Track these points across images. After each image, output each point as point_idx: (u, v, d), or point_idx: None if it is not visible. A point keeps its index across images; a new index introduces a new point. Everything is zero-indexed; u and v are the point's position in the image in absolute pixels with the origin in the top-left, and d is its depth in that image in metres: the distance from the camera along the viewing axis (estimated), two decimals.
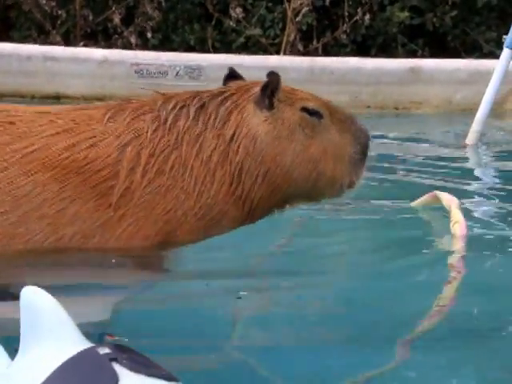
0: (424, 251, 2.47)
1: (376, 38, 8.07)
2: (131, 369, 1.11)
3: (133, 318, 1.97)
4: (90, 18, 8.11)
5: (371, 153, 2.58)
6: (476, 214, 2.95)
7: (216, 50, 7.76)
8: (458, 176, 3.77)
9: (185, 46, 7.99)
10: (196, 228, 2.32)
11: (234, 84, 2.48)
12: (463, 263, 2.36)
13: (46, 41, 7.85)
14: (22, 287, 1.22)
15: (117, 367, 1.11)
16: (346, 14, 7.97)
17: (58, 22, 8.06)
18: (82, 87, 6.18)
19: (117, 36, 8.14)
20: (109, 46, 7.68)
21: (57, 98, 5.96)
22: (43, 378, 1.11)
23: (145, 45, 8.00)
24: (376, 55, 7.76)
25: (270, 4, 8.12)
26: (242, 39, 8.02)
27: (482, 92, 4.87)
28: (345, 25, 7.98)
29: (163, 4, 8.12)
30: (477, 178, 3.90)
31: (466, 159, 4.51)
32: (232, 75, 2.56)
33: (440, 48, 7.99)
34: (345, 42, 8.05)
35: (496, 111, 5.13)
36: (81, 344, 1.17)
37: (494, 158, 4.61)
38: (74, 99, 5.96)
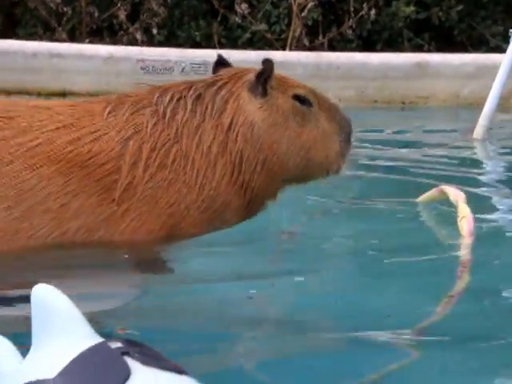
0: (431, 247, 2.47)
1: (382, 32, 8.04)
2: (143, 362, 1.12)
3: (142, 313, 1.97)
4: (96, 14, 8.10)
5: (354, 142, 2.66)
6: (483, 209, 2.94)
7: (222, 46, 7.74)
8: (465, 170, 3.76)
9: (190, 42, 7.97)
10: (200, 221, 2.34)
11: (225, 72, 2.50)
12: (471, 258, 2.35)
13: (52, 38, 7.85)
14: (29, 283, 1.22)
15: (129, 361, 1.11)
16: (352, 9, 7.94)
17: (64, 18, 8.05)
18: (88, 84, 6.17)
19: (122, 32, 8.14)
20: (114, 43, 7.68)
21: (63, 95, 5.96)
22: (56, 372, 1.11)
23: (150, 41, 7.99)
24: (382, 50, 7.74)
25: None
26: (247, 35, 8.00)
27: (489, 86, 4.85)
28: (350, 20, 7.96)
29: (169, 0, 8.11)
30: (484, 173, 3.90)
31: (473, 154, 4.49)
32: (220, 62, 2.58)
33: (446, 42, 7.96)
34: (351, 37, 8.02)
35: (503, 105, 5.11)
36: (92, 339, 1.18)
37: (501, 152, 4.59)
38: (80, 96, 5.95)
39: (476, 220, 2.51)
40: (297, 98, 2.48)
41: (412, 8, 7.88)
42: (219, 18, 8.14)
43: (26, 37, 7.79)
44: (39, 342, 1.19)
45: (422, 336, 1.80)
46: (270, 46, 7.79)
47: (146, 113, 2.32)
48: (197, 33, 8.06)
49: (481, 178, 3.68)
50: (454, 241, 2.47)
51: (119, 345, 1.15)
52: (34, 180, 2.15)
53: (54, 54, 6.41)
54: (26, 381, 1.12)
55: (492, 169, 4.08)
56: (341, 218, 2.78)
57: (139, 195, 2.24)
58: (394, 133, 5.20)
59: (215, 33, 8.00)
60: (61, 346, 1.16)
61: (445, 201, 2.74)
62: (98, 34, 8.17)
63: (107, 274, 2.21)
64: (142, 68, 6.30)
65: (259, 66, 2.44)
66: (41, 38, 7.70)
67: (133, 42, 7.88)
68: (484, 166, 4.14)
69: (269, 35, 7.99)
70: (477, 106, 5.22)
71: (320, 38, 8.00)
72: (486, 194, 3.28)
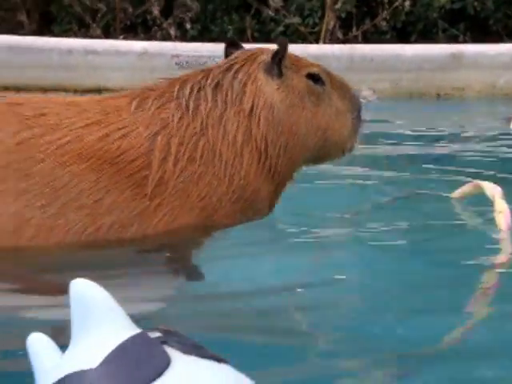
0: (467, 243, 2.44)
1: (416, 23, 7.97)
2: (182, 351, 1.13)
3: (177, 314, 1.97)
4: (130, 10, 8.15)
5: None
6: None
7: (255, 40, 7.74)
8: (501, 163, 3.71)
9: (224, 36, 7.99)
10: (232, 212, 2.35)
11: (239, 54, 2.50)
12: (508, 254, 2.33)
13: (87, 34, 7.92)
14: (66, 279, 1.24)
15: (168, 350, 1.13)
16: (386, 0, 7.89)
17: (98, 15, 8.12)
18: (122, 80, 6.20)
19: (156, 28, 8.18)
20: (148, 38, 7.72)
21: (98, 92, 6.01)
22: (98, 362, 1.13)
23: (184, 36, 8.02)
24: (416, 41, 7.68)
25: None
26: (280, 28, 7.99)
27: None
28: (384, 11, 7.90)
29: None
30: None
31: (510, 145, 4.43)
32: (231, 44, 2.59)
33: (482, 32, 7.87)
34: (385, 29, 7.97)
35: None
36: (131, 329, 1.20)
37: None
38: (115, 92, 6.00)
39: None
40: (310, 77, 2.48)
41: None
42: (252, 12, 8.14)
43: (61, 34, 7.87)
44: (79, 334, 1.21)
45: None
46: (304, 40, 7.77)
47: (171, 107, 2.33)
48: (230, 27, 8.07)
49: None
50: (491, 236, 2.45)
51: (158, 334, 1.17)
52: (66, 177, 2.16)
53: (89, 50, 6.45)
54: (68, 372, 1.14)
55: None
56: (375, 216, 2.76)
57: (170, 190, 2.25)
58: (429, 125, 5.15)
59: (248, 27, 8.00)
60: (101, 337, 1.18)
61: (480, 195, 2.71)
62: (131, 30, 8.22)
63: (142, 273, 2.21)
64: (176, 63, 6.32)
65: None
66: (76, 35, 7.77)
67: (166, 38, 7.91)
68: None
69: (302, 28, 7.97)
70: None
71: (354, 30, 7.96)
72: None
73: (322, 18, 7.92)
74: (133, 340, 1.15)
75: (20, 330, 1.30)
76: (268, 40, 7.61)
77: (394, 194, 3.04)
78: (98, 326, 1.20)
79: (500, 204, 2.52)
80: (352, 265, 2.33)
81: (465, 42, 7.63)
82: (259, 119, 2.38)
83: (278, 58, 2.42)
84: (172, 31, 8.03)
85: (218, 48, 2.74)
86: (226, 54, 2.55)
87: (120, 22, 8.12)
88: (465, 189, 2.83)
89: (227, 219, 2.35)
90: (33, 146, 2.16)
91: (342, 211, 2.75)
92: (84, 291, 1.21)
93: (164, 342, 1.14)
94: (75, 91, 6.03)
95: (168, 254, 2.34)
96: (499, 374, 1.61)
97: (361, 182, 3.33)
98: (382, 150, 4.22)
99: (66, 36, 7.46)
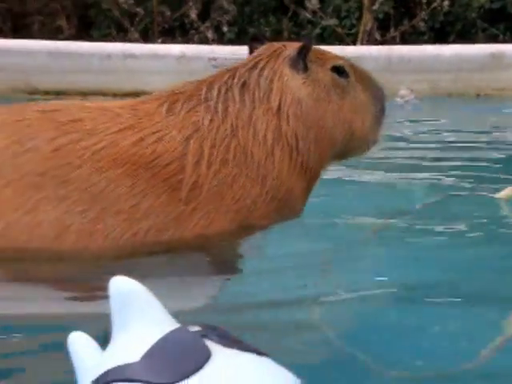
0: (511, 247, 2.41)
1: (455, 24, 7.91)
2: (222, 344, 1.15)
3: (215, 317, 1.96)
4: (168, 14, 8.20)
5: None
6: None
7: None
8: None
9: None
10: (267, 212, 2.34)
11: (264, 50, 2.50)
12: None
13: (125, 38, 7.98)
14: (105, 282, 1.25)
15: (209, 343, 1.15)
16: (425, 1, 7.83)
17: (136, 19, 8.18)
18: (161, 83, 6.23)
19: (193, 31, 8.22)
20: (186, 42, 7.75)
21: (136, 95, 6.04)
22: (140, 355, 1.15)
23: (221, 39, 8.04)
24: (455, 42, 7.61)
25: None
26: (317, 30, 7.98)
27: None
28: (423, 12, 7.85)
29: None
30: None
31: None
32: (255, 38, 2.60)
33: None
34: (423, 30, 7.92)
35: None
36: (172, 324, 1.22)
37: None
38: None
39: None
40: (335, 69, 2.48)
41: None
42: (289, 14, 8.14)
43: (99, 38, 7.94)
44: (120, 330, 1.23)
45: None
46: (341, 41, 7.75)
47: (201, 110, 2.34)
48: (267, 29, 8.07)
49: None
50: None
51: (198, 328, 1.19)
52: (103, 183, 2.17)
53: (128, 54, 6.50)
54: (111, 366, 1.16)
55: None
56: (411, 220, 2.73)
57: (205, 193, 2.25)
58: (469, 126, 5.10)
59: (285, 29, 8.00)
60: (142, 332, 1.20)
61: None
62: (169, 34, 8.27)
63: (178, 279, 2.20)
64: (214, 66, 6.35)
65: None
66: (114, 39, 7.83)
67: (204, 41, 7.94)
68: None
69: (339, 30, 7.94)
70: None
71: (391, 31, 7.91)
72: None
73: (359, 19, 7.89)
74: (174, 334, 1.18)
75: (64, 332, 1.31)
76: None
77: (433, 196, 3.01)
78: (139, 321, 1.21)
79: None
80: (399, 266, 2.30)
81: (505, 41, 7.54)
82: (288, 115, 2.38)
83: (304, 52, 2.42)
84: (209, 34, 8.06)
85: None
86: (251, 50, 2.56)
87: (158, 26, 8.17)
88: (509, 190, 2.79)
89: (263, 220, 2.35)
90: (69, 151, 2.17)
91: (391, 213, 2.73)
92: (124, 288, 1.23)
93: (204, 336, 1.16)
94: (114, 95, 6.08)
95: (206, 259, 2.33)
96: None
97: (406, 183, 3.32)
98: (422, 151, 4.18)
99: (104, 40, 7.52)
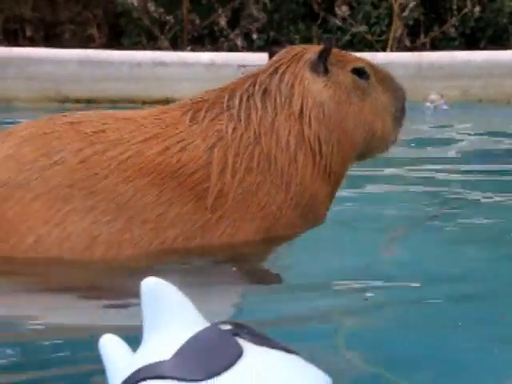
0: None
1: (486, 29, 7.85)
2: (253, 342, 1.16)
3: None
4: (197, 22, 8.24)
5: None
6: None
7: None
8: None
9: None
10: (293, 218, 2.34)
11: (284, 54, 2.50)
12: None
13: (155, 46, 8.03)
14: (134, 287, 1.26)
15: (240, 341, 1.16)
16: (455, 7, 7.79)
17: (166, 27, 8.22)
18: (190, 91, 6.26)
19: (223, 39, 8.24)
20: (215, 49, 7.78)
21: (166, 103, 6.07)
22: (172, 353, 1.16)
23: (250, 46, 8.06)
24: (486, 47, 7.55)
25: (375, 0, 8.03)
26: (347, 37, 7.97)
27: None
28: (453, 18, 7.80)
29: (268, 5, 8.16)
30: None
31: None
32: (276, 42, 2.60)
33: None
34: (453, 36, 7.87)
35: None
36: (202, 323, 1.23)
37: None
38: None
39: None
40: (355, 71, 2.47)
41: None
42: (319, 21, 8.14)
43: (130, 46, 8.00)
44: (151, 330, 1.23)
45: None
46: (371, 48, 7.73)
47: (224, 118, 2.34)
48: (296, 36, 8.07)
49: None
50: None
51: (229, 327, 1.20)
52: (130, 192, 2.17)
53: (157, 62, 6.54)
54: (142, 365, 1.16)
55: None
56: (439, 226, 2.70)
57: (230, 201, 2.25)
58: (500, 131, 5.05)
59: (315, 36, 7.99)
60: (173, 331, 1.21)
61: None
62: (199, 42, 8.31)
63: (206, 287, 2.19)
64: (243, 74, 6.36)
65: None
66: (144, 47, 7.89)
67: (233, 48, 7.97)
68: None
69: (369, 36, 7.92)
70: None
71: (421, 37, 7.87)
72: None
73: (389, 25, 7.86)
74: (205, 332, 1.18)
75: (96, 338, 1.31)
76: None
77: (458, 202, 2.99)
78: (170, 320, 1.22)
79: None
80: (430, 267, 2.28)
81: None
82: (310, 119, 2.37)
83: (324, 55, 2.42)
84: (239, 42, 8.09)
85: None
86: (271, 55, 2.56)
87: (187, 34, 8.21)
88: None
89: (288, 228, 2.34)
90: (96, 162, 2.18)
91: (416, 217, 2.72)
92: (155, 288, 1.24)
93: (235, 334, 1.17)
94: (143, 103, 6.12)
95: (232, 268, 2.33)
96: None
97: (435, 185, 3.30)
98: (449, 157, 4.16)
99: (134, 48, 7.58)
